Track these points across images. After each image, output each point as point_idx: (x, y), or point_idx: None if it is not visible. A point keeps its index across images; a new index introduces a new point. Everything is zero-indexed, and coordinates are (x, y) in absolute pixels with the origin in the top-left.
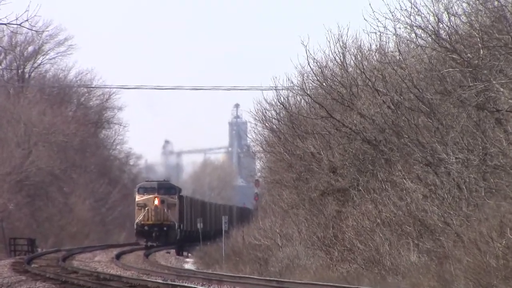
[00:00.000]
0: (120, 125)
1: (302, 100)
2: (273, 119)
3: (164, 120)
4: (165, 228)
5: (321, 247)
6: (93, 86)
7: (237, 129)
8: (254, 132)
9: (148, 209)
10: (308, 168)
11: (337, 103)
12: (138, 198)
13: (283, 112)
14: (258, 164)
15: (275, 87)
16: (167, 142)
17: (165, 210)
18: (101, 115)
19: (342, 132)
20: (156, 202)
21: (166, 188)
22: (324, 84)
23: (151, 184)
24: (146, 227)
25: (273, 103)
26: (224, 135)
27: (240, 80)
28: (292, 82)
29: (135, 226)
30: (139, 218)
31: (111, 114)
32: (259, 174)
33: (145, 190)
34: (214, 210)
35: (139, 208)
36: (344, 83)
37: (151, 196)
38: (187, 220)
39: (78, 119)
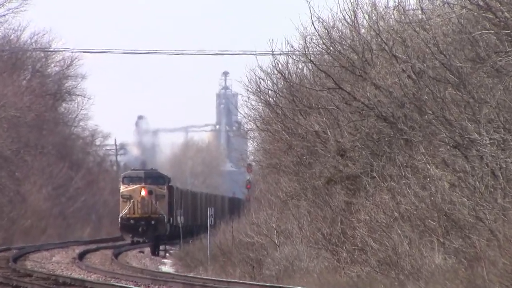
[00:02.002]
0: (84, 97)
1: (305, 68)
2: (270, 91)
3: (137, 92)
4: (153, 222)
5: (327, 246)
6: (51, 49)
7: (226, 102)
8: (247, 107)
9: (134, 201)
10: (312, 150)
11: (346, 71)
12: (123, 188)
13: (282, 82)
14: (251, 145)
15: (272, 52)
16: (140, 117)
17: (153, 201)
18: (61, 85)
19: (353, 107)
20: (143, 193)
21: (154, 177)
22: (331, 48)
23: (137, 173)
24: (132, 221)
25: (270, 71)
26: (210, 109)
27: (229, 43)
28: (293, 46)
29: (119, 219)
30: (124, 211)
31: (73, 84)
32: (252, 157)
33: (130, 179)
34: (205, 202)
35: (124, 200)
36: (355, 48)
37: (137, 186)
38: (176, 214)
39: (33, 89)
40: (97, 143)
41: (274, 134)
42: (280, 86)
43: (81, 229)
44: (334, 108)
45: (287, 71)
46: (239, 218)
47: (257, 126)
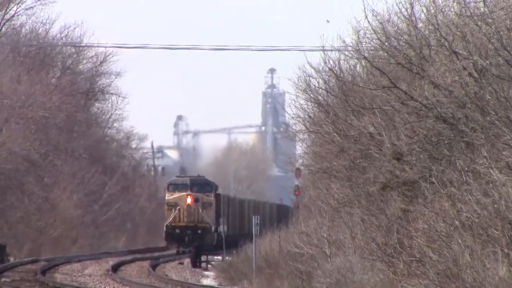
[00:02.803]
0: (119, 96)
1: (358, 65)
2: (320, 89)
3: (176, 90)
4: (199, 231)
5: (382, 257)
6: (83, 44)
7: (273, 101)
8: (295, 106)
9: (179, 208)
10: (365, 153)
11: (403, 69)
12: (168, 196)
13: (333, 80)
14: (300, 148)
15: (322, 47)
16: (179, 118)
17: (200, 210)
18: (94, 83)
19: (410, 107)
20: (189, 200)
21: (200, 184)
22: (386, 44)
23: (183, 180)
24: (177, 230)
25: (320, 68)
26: (255, 109)
27: (276, 39)
28: (345, 42)
29: (164, 228)
30: (169, 219)
31: (107, 82)
32: (300, 161)
33: (176, 187)
34: (253, 210)
35: (169, 208)
36: (412, 43)
37: (183, 194)
38: (224, 222)
39: (63, 88)
40: (133, 145)
41: (324, 136)
42: (331, 85)
43: (115, 238)
44: (390, 108)
45: (338, 68)
46: (287, 227)
47: (306, 128)
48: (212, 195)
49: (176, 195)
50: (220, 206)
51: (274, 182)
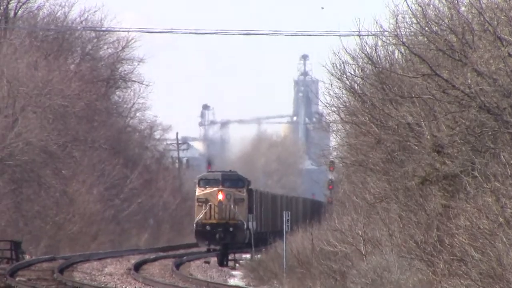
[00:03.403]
0: (141, 84)
1: (396, 52)
2: (356, 77)
3: (203, 78)
4: (231, 229)
5: (421, 256)
6: (104, 29)
7: (305, 90)
8: (329, 95)
9: (210, 205)
10: (404, 145)
11: (444, 55)
12: (199, 192)
13: (369, 67)
14: (334, 140)
15: (358, 32)
16: (206, 107)
17: (231, 206)
18: (115, 70)
19: (451, 96)
20: (221, 196)
21: (232, 180)
22: (426, 29)
23: (214, 175)
24: (208, 227)
25: (356, 54)
26: (286, 98)
27: (308, 23)
28: (382, 27)
29: (194, 225)
30: (199, 216)
31: (129, 69)
32: (334, 153)
33: (207, 182)
34: (286, 205)
35: (200, 204)
36: (454, 28)
37: (214, 189)
38: (256, 218)
39: (83, 75)
40: (156, 136)
41: (360, 127)
42: (367, 72)
43: (137, 235)
44: (430, 97)
45: (375, 55)
46: (320, 224)
47: (341, 118)
48: (244, 190)
49: (207, 190)
50: (252, 202)
51: (306, 176)
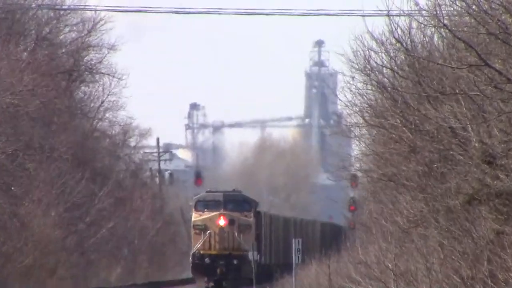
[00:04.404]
0: (113, 77)
1: (435, 36)
2: (384, 68)
3: (190, 70)
4: (235, 261)
5: None
6: (65, 7)
7: (320, 85)
8: (350, 91)
9: (210, 233)
10: (445, 155)
11: (496, 41)
12: (196, 216)
13: (402, 56)
14: (357, 148)
15: (387, 11)
16: (195, 107)
17: (236, 234)
18: (79, 60)
19: (506, 93)
20: (222, 222)
21: (236, 201)
22: (473, 8)
23: (214, 196)
24: (207, 259)
25: (384, 40)
26: (296, 96)
27: (324, 0)
28: (418, 5)
29: (190, 257)
30: (197, 245)
31: (97, 58)
32: (357, 165)
33: (205, 205)
34: (300, 231)
35: (197, 232)
36: (509, 7)
37: (214, 213)
38: (266, 248)
39: (39, 65)
40: (132, 144)
41: (390, 132)
42: (399, 62)
43: (107, 269)
44: (478, 94)
45: (409, 40)
46: (339, 254)
47: (365, 120)
48: (252, 214)
49: (206, 215)
50: (261, 229)
51: (321, 193)
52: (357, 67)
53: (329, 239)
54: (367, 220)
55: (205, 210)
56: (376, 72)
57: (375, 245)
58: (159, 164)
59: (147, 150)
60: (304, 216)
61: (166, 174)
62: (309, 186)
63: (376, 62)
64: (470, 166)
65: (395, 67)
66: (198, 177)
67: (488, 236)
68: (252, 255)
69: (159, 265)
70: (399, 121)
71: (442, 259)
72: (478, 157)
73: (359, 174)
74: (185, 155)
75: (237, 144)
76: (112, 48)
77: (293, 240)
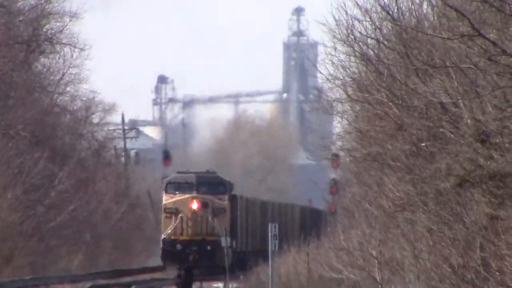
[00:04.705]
0: (75, 48)
1: (424, 3)
2: (369, 39)
3: (159, 40)
4: (209, 247)
5: (459, 285)
6: None
7: (299, 57)
8: (332, 63)
9: (182, 217)
10: (435, 133)
11: (491, 9)
12: (167, 199)
13: (388, 25)
14: (339, 125)
15: None
16: (163, 80)
17: (209, 218)
18: (38, 29)
19: (501, 66)
20: (195, 205)
21: (210, 183)
22: None
23: (187, 177)
24: (178, 245)
25: (369, 7)
26: (273, 69)
27: None
28: None
29: (161, 243)
30: (168, 231)
31: (57, 27)
32: (339, 144)
33: (177, 187)
34: (278, 215)
35: (168, 216)
36: None
37: (186, 196)
38: (242, 234)
39: None
40: (95, 120)
41: (375, 107)
42: (385, 32)
43: (68, 256)
44: (471, 66)
45: (396, 8)
46: (319, 240)
47: (348, 95)
48: (226, 197)
49: (178, 197)
50: (236, 213)
51: (300, 174)
52: (340, 37)
53: (309, 224)
54: (350, 204)
55: (177, 192)
56: (360, 42)
57: (358, 231)
58: (124, 142)
59: (111, 127)
60: (282, 199)
61: (132, 153)
62: (287, 166)
63: (360, 32)
64: (461, 145)
65: (381, 38)
66: (167, 157)
67: (481, 221)
68: (224, 241)
69: (124, 252)
70: (384, 96)
71: (431, 246)
72: (471, 135)
73: (341, 153)
74: (152, 133)
75: (209, 121)
76: (74, 16)
77: (269, 225)
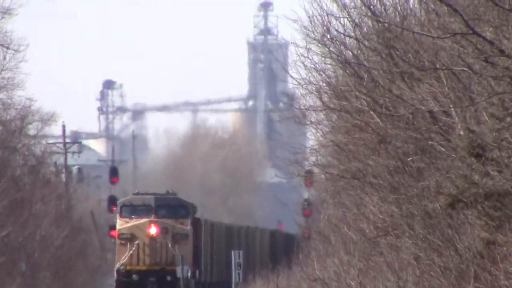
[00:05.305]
0: (7, 49)
1: None
2: (347, 38)
3: (106, 41)
4: (169, 278)
5: None
6: None
7: (267, 59)
8: (304, 66)
9: (138, 243)
10: (423, 146)
11: (487, 3)
12: (121, 224)
13: (369, 22)
14: (313, 138)
15: None
16: (110, 84)
17: (169, 245)
18: None
19: (499, 68)
20: (153, 230)
21: (170, 206)
22: None
23: (144, 199)
24: (135, 276)
25: (347, 2)
26: (238, 72)
27: None
28: None
29: (115, 274)
30: (122, 260)
31: None
32: (313, 159)
33: (132, 210)
34: (246, 241)
35: (123, 243)
36: None
37: (143, 220)
38: (207, 263)
39: None
40: (31, 132)
41: (354, 117)
42: (365, 30)
43: (1, 287)
44: (464, 69)
45: (378, 2)
46: (290, 269)
47: (323, 102)
48: (189, 222)
49: (134, 222)
50: (200, 239)
51: (267, 193)
52: (314, 36)
53: (280, 250)
54: (325, 228)
55: (133, 216)
56: (337, 42)
57: (335, 259)
58: (65, 158)
59: (51, 140)
60: (247, 222)
61: (74, 169)
62: (253, 185)
63: (337, 30)
64: (453, 160)
65: (361, 36)
66: (114, 174)
67: (476, 247)
68: (180, 272)
69: (65, 284)
70: (365, 104)
71: (418, 276)
72: (464, 148)
73: (316, 170)
74: (97, 146)
75: (163, 132)
76: (6, 12)
77: (232, 253)
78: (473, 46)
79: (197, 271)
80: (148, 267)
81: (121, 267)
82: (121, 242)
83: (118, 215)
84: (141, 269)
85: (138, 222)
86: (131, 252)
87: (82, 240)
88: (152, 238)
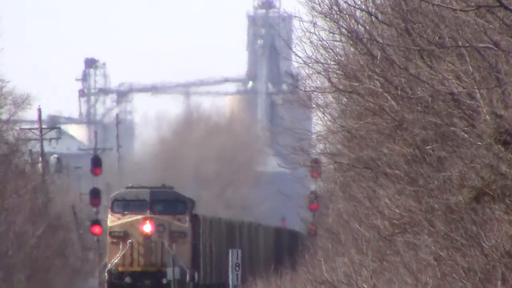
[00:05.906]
0: None
1: None
2: (358, 11)
3: (87, 14)
4: (165, 280)
5: None
6: None
7: (268, 34)
8: (310, 42)
9: (131, 242)
10: (444, 132)
11: None
12: (113, 221)
13: None
14: (320, 123)
15: None
16: (91, 64)
17: (166, 244)
18: None
19: None
20: (148, 228)
21: (167, 201)
22: None
23: (138, 193)
24: (128, 278)
25: None
26: (236, 50)
27: None
28: None
29: (106, 275)
30: (114, 260)
31: None
32: (320, 146)
33: (125, 205)
34: (248, 239)
35: (115, 242)
36: None
37: (137, 217)
38: (206, 264)
39: None
40: (3, 116)
41: (366, 100)
42: (379, 2)
43: None
44: (490, 46)
45: None
46: (294, 271)
47: (332, 83)
48: (187, 218)
49: (127, 219)
50: (199, 237)
51: (269, 185)
52: (320, 9)
53: (284, 249)
54: (334, 224)
55: (126, 212)
56: (347, 16)
57: (345, 258)
58: (41, 145)
59: (25, 126)
60: (244, 217)
61: (52, 159)
62: (253, 175)
63: (346, 2)
64: (478, 148)
65: (373, 9)
66: (97, 164)
67: (503, 245)
68: (171, 273)
69: (42, 287)
70: (379, 85)
71: (439, 278)
72: (490, 135)
73: (323, 159)
74: (78, 133)
75: (152, 117)
76: None
77: (230, 252)
78: (500, 20)
79: (196, 273)
80: (142, 268)
81: (113, 268)
82: (112, 240)
83: (109, 211)
84: (134, 271)
85: (132, 218)
86: (123, 252)
87: (61, 238)
88: (146, 237)
